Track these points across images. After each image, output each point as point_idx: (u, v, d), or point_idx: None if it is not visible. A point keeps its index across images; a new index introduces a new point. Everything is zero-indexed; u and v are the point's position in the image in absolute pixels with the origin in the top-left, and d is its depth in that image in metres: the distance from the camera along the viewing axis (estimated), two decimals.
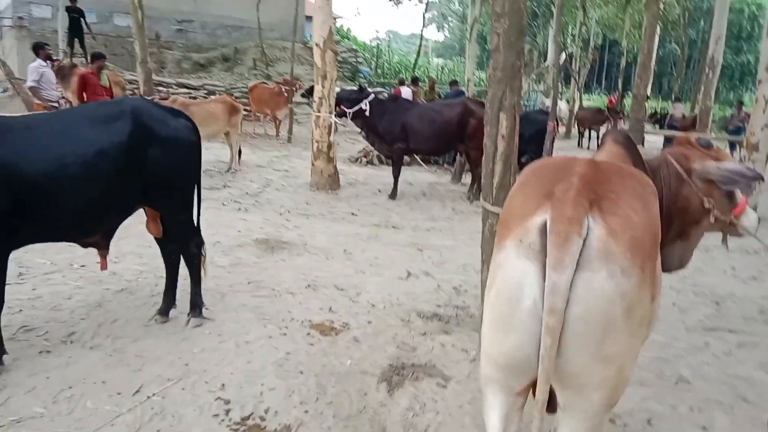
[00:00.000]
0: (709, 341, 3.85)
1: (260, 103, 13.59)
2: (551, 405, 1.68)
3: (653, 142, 17.17)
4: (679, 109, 16.55)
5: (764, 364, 3.54)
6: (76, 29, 14.71)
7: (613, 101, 21.31)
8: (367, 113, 7.95)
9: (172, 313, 3.70)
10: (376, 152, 10.23)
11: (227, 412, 2.75)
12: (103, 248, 3.54)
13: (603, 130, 18.24)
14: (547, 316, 1.41)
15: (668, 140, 16.16)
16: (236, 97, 13.63)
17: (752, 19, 39.37)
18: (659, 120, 18.01)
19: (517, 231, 1.57)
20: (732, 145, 15.35)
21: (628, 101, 19.14)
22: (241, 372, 3.09)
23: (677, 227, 2.45)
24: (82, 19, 14.67)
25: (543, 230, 1.50)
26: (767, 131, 7.86)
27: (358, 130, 9.09)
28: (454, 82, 14.43)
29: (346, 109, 7.96)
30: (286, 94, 13.09)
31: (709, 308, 4.49)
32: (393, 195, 7.95)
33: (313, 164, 8.31)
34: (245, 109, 12.63)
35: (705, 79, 14.24)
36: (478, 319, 3.53)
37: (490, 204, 3.25)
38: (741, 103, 16.64)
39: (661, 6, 11.38)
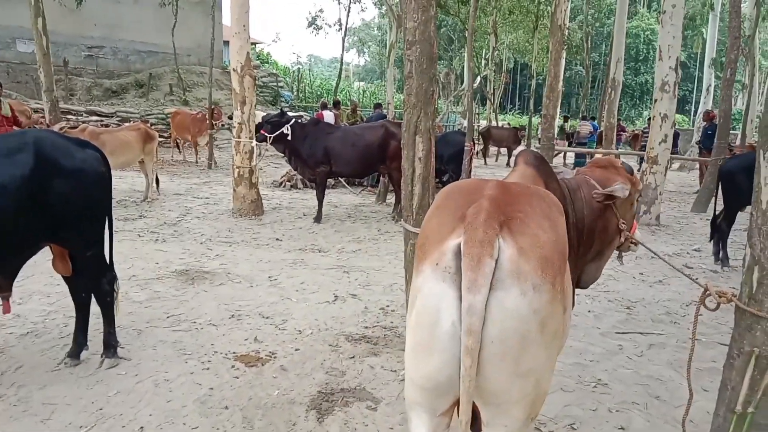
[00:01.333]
0: (622, 344, 4.07)
1: (182, 130, 13.26)
2: (476, 423, 1.71)
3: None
4: (585, 127, 17.60)
5: (673, 362, 3.78)
6: None
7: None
8: (289, 137, 7.91)
9: (84, 354, 3.46)
10: (299, 176, 10.19)
11: None
12: (5, 290, 3.28)
13: (519, 148, 19.07)
14: (466, 337, 1.43)
15: (579, 156, 17.14)
16: (152, 124, 13.24)
17: (647, 43, 42.68)
18: (567, 137, 19.01)
19: (434, 255, 1.59)
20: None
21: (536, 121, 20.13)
22: (161, 412, 2.94)
23: (596, 246, 2.57)
24: None
25: (458, 253, 1.52)
26: (665, 145, 8.50)
27: (281, 154, 9.02)
28: (378, 105, 14.69)
29: (266, 134, 7.88)
30: (208, 121, 12.86)
31: (622, 313, 4.75)
32: (318, 218, 7.91)
33: (234, 190, 8.14)
34: (161, 136, 12.28)
35: (608, 98, 15.25)
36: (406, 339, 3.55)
37: (410, 225, 3.30)
38: (650, 119, 17.89)
39: (565, 32, 12.11)
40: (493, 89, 25.44)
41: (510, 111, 42.93)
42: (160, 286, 4.92)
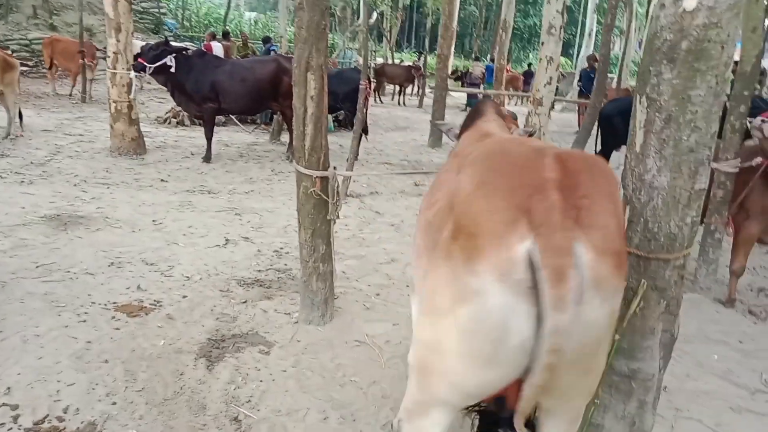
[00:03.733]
0: None
1: (67, 59, 11.83)
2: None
3: (457, 98, 18.49)
4: (478, 68, 17.95)
5: None
6: None
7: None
8: (173, 70, 7.32)
9: None
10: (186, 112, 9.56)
11: (15, 418, 2.39)
12: None
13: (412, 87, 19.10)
14: (549, 356, 1.30)
15: (471, 97, 17.53)
16: (13, 51, 11.76)
17: None
18: (460, 77, 19.31)
19: (497, 260, 1.36)
20: None
21: (432, 60, 20.20)
22: (31, 370, 2.71)
23: None
24: None
25: (531, 263, 1.33)
26: (549, 87, 8.85)
27: (164, 88, 8.36)
28: (267, 39, 13.91)
29: (146, 64, 7.22)
30: (94, 51, 11.64)
31: None
32: (207, 158, 7.51)
33: (112, 127, 7.48)
34: (24, 65, 10.95)
35: (499, 40, 15.57)
36: (300, 281, 3.51)
37: (303, 167, 3.19)
38: (530, 65, 18.52)
39: None
40: (390, 26, 25.13)
41: (407, 49, 42.74)
42: (26, 233, 4.46)
